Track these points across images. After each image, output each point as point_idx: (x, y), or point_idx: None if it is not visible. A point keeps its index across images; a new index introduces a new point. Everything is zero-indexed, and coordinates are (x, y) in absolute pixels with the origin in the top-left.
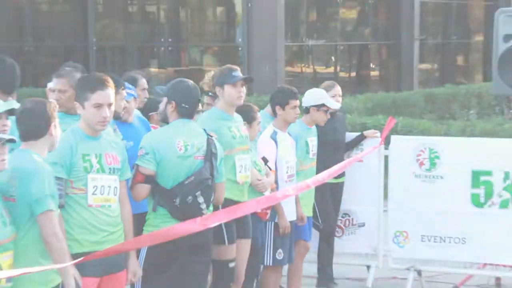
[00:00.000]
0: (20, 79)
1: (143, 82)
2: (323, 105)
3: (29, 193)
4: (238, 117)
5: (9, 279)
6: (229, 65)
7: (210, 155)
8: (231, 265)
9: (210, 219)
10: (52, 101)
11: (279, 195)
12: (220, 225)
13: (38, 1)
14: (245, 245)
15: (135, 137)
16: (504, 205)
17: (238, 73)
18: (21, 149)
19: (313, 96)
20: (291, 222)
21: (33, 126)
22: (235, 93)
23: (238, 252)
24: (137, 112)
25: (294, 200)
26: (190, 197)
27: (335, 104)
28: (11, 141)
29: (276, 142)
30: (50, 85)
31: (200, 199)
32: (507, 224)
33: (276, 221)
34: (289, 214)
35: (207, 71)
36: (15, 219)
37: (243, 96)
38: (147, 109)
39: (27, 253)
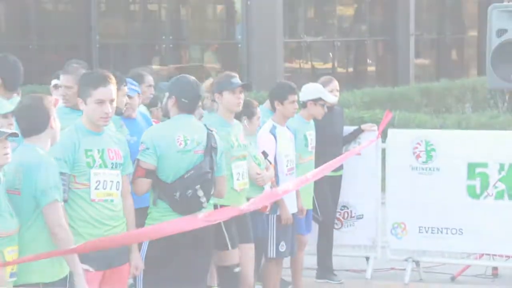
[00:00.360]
0: (25, 76)
1: (149, 79)
2: (320, 99)
3: (34, 186)
4: (237, 125)
5: (12, 275)
6: (227, 72)
7: (210, 149)
8: (236, 270)
9: (214, 216)
10: (49, 96)
11: (280, 191)
12: (221, 231)
13: (42, 0)
14: (249, 250)
15: (138, 132)
16: (499, 196)
17: (237, 79)
18: (25, 144)
19: (310, 90)
20: (292, 214)
21: (34, 121)
22: (234, 100)
23: (243, 258)
24: (142, 108)
25: (294, 193)
26: (190, 191)
27: (331, 97)
28: (13, 135)
29: (275, 136)
30: (54, 82)
31: (200, 193)
32: (502, 214)
33: (278, 213)
34: (290, 207)
35: (208, 68)
36: (20, 212)
37: (241, 103)
38: (148, 105)
39: (32, 246)
